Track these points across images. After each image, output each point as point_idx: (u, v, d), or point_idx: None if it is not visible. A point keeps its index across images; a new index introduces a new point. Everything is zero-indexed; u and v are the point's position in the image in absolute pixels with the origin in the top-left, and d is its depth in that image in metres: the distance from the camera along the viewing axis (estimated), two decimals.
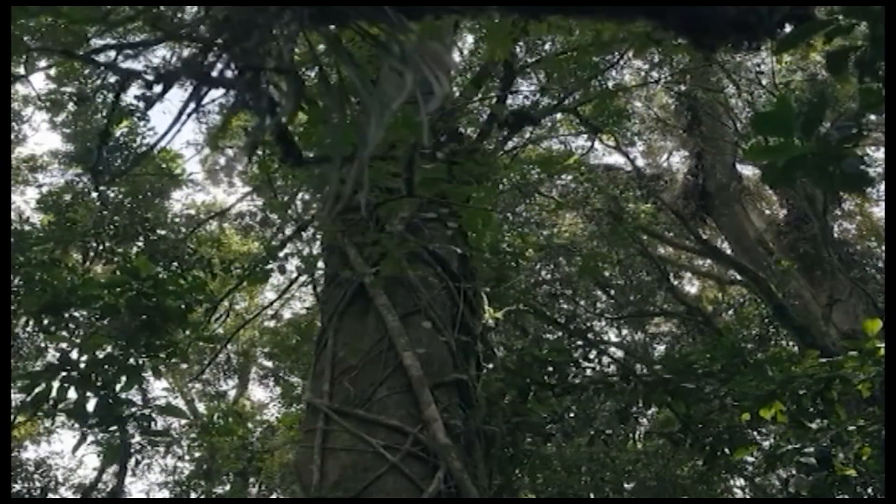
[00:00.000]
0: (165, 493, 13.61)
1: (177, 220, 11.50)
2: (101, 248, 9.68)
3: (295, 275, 8.40)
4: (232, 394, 17.06)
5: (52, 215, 10.31)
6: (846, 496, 7.91)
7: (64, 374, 4.52)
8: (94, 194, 10.22)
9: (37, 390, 4.37)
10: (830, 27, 2.01)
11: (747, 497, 12.41)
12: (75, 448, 10.14)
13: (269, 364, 15.72)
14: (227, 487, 13.54)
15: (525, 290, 11.32)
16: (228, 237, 12.33)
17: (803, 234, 17.22)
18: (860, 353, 6.78)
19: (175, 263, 8.67)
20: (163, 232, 10.22)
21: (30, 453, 14.68)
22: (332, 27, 1.60)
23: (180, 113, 1.59)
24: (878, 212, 19.45)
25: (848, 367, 6.81)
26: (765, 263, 16.24)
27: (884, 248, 18.50)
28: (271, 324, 14.48)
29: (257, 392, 18.23)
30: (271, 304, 12.18)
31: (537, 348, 8.52)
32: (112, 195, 10.18)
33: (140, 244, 9.63)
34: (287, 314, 14.82)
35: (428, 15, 1.67)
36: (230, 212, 12.57)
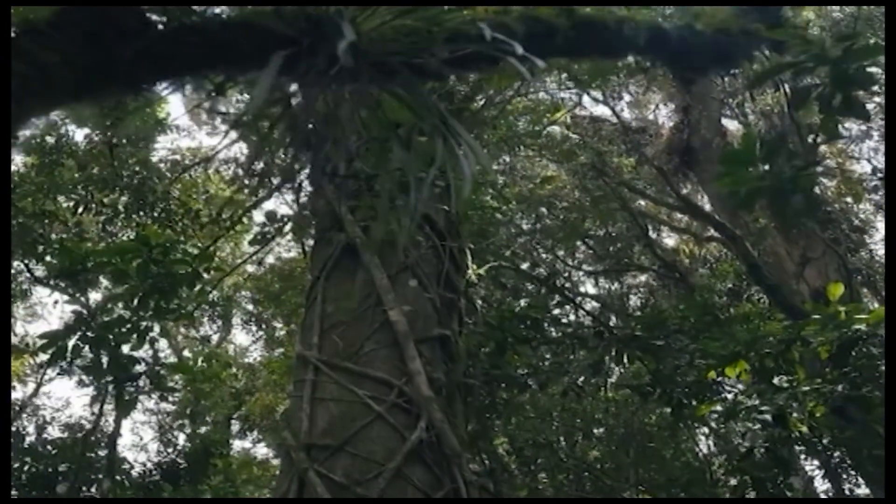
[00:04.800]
0: (149, 432, 14.00)
1: (161, 165, 11.47)
2: (89, 197, 9.72)
3: (281, 224, 8.55)
4: (215, 338, 17.34)
5: (36, 158, 10.24)
6: (801, 448, 8.41)
7: (79, 333, 4.73)
8: (78, 136, 10.19)
9: (54, 348, 4.59)
10: (797, 66, 2.24)
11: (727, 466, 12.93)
12: (92, 402, 10.47)
13: (251, 308, 15.92)
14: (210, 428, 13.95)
15: (505, 243, 11.58)
16: (214, 184, 12.34)
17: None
18: (822, 317, 7.13)
19: (161, 213, 8.78)
20: (146, 175, 10.20)
21: (17, 393, 14.97)
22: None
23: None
24: (859, 169, 19.76)
25: (809, 329, 7.17)
26: (742, 221, 16.55)
27: (860, 206, 18.88)
28: (252, 268, 14.60)
29: (240, 336, 18.52)
30: (256, 252, 12.30)
31: (516, 303, 8.82)
32: (97, 139, 10.16)
33: (126, 197, 9.67)
34: (270, 259, 14.97)
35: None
36: (216, 157, 12.56)
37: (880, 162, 19.23)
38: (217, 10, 1.86)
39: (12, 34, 1.63)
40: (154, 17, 1.72)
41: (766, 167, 2.23)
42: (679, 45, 1.97)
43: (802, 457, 10.54)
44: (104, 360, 4.76)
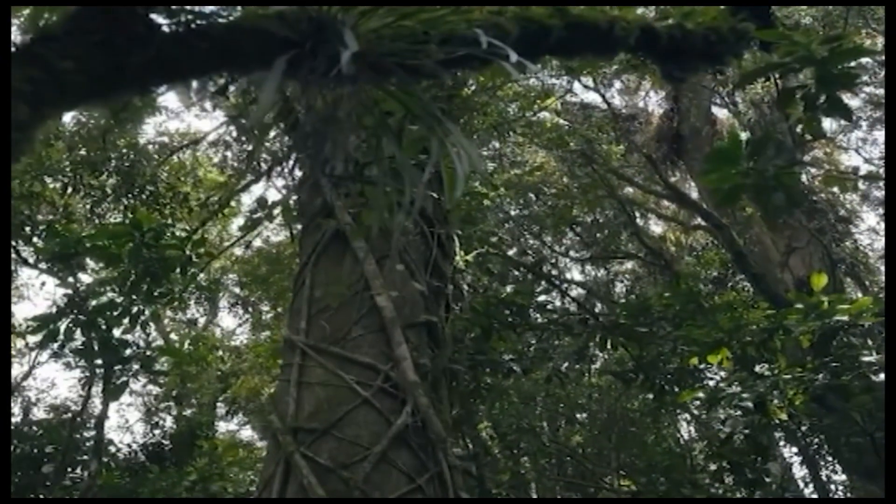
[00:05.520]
0: (135, 414, 13.97)
1: (150, 147, 11.40)
2: (78, 179, 9.65)
3: (271, 209, 8.54)
4: (202, 321, 17.31)
5: None
6: (780, 435, 8.56)
7: (71, 316, 4.74)
8: (66, 118, 10.08)
9: (46, 331, 4.59)
10: (783, 67, 2.29)
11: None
12: (85, 385, 10.47)
13: (238, 291, 15.90)
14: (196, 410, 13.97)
15: (493, 229, 11.63)
16: (202, 166, 12.27)
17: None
18: (804, 307, 7.24)
19: (150, 196, 8.75)
20: (135, 157, 10.14)
21: None
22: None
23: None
24: (847, 159, 19.92)
25: (791, 318, 7.27)
26: (729, 210, 16.66)
27: (848, 196, 19.04)
28: (240, 251, 14.57)
29: (227, 319, 18.49)
30: (244, 235, 12.27)
31: (502, 290, 8.88)
32: (83, 119, 10.07)
33: (115, 179, 9.61)
34: (258, 242, 14.93)
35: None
36: (205, 140, 12.47)
37: (867, 152, 19.38)
38: (223, 12, 1.91)
39: (27, 41, 1.66)
40: (160, 21, 1.76)
41: (751, 164, 2.28)
42: (669, 44, 2.01)
43: (781, 443, 10.73)
44: (95, 343, 4.78)
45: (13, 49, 1.68)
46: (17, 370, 15.54)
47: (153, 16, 1.79)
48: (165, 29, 1.79)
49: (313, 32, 1.78)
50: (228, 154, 12.52)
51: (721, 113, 18.46)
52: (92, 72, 1.68)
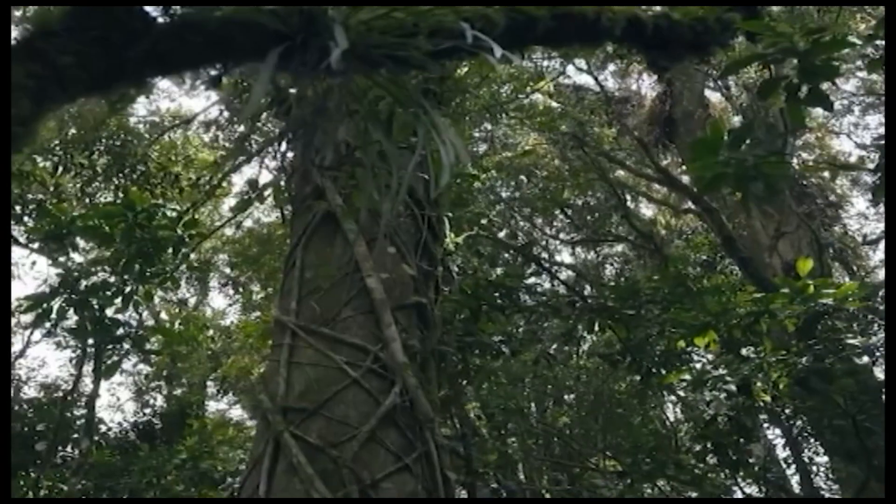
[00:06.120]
0: (126, 393, 14.03)
1: (140, 126, 11.34)
2: (68, 158, 9.59)
3: (262, 191, 8.54)
4: (192, 301, 17.31)
5: None
6: (764, 417, 8.68)
7: (64, 296, 4.75)
8: None
9: (39, 310, 4.61)
10: (767, 58, 2.32)
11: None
12: (76, 364, 10.51)
13: (229, 271, 15.90)
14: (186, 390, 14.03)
15: (481, 212, 11.66)
16: (193, 146, 12.21)
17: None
18: (790, 291, 7.33)
19: (141, 176, 8.72)
20: (125, 136, 10.09)
21: None
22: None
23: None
24: (838, 145, 20.01)
25: (777, 303, 7.36)
26: (719, 193, 16.74)
27: (838, 181, 19.14)
28: (231, 232, 14.54)
29: (217, 299, 18.48)
30: (235, 216, 12.26)
31: (491, 271, 8.93)
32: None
33: (105, 159, 9.56)
34: (249, 222, 14.91)
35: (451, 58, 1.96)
36: (196, 120, 12.40)
37: (860, 137, 19.48)
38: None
39: (28, 36, 1.69)
40: (155, 15, 1.79)
41: (732, 153, 2.33)
42: (655, 34, 2.04)
43: (766, 425, 10.90)
44: (88, 323, 4.80)
45: (14, 44, 1.71)
46: (16, 349, 15.54)
47: (148, 9, 1.82)
48: (160, 20, 1.82)
49: (304, 26, 1.82)
50: (220, 134, 12.48)
51: (714, 96, 18.49)
52: (91, 66, 1.71)
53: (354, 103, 2.00)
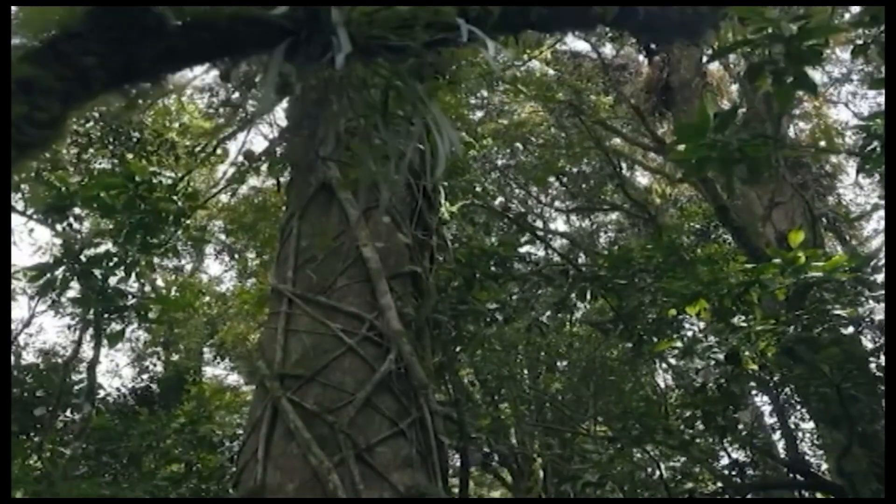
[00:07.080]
0: (124, 359, 14.15)
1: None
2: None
3: (258, 161, 8.56)
4: (188, 268, 17.37)
5: None
6: (752, 385, 8.85)
7: (68, 266, 4.80)
8: None
9: (43, 280, 4.67)
10: (753, 43, 2.37)
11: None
12: (79, 332, 10.61)
13: (224, 238, 15.92)
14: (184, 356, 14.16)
15: (476, 180, 11.69)
16: (188, 112, 12.14)
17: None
18: (781, 261, 7.42)
19: (136, 143, 8.70)
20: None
21: None
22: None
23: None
24: (835, 114, 19.98)
25: (768, 273, 7.46)
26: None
27: (832, 157, 19.15)
28: (225, 198, 14.53)
29: (213, 266, 18.54)
30: (230, 184, 12.25)
31: (486, 240, 8.99)
32: None
33: (101, 126, 9.51)
34: (244, 189, 14.88)
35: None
36: (190, 86, 12.29)
37: (858, 106, 19.43)
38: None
39: (51, 39, 1.75)
40: (167, 14, 1.85)
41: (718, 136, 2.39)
42: (647, 18, 2.09)
43: (753, 392, 11.10)
44: (91, 292, 4.88)
45: (38, 46, 1.76)
46: (15, 315, 15.64)
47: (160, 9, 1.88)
48: (173, 20, 1.89)
49: (308, 21, 1.88)
50: (215, 100, 12.41)
51: (712, 65, 18.34)
52: (111, 66, 1.78)
53: (354, 92, 2.07)
